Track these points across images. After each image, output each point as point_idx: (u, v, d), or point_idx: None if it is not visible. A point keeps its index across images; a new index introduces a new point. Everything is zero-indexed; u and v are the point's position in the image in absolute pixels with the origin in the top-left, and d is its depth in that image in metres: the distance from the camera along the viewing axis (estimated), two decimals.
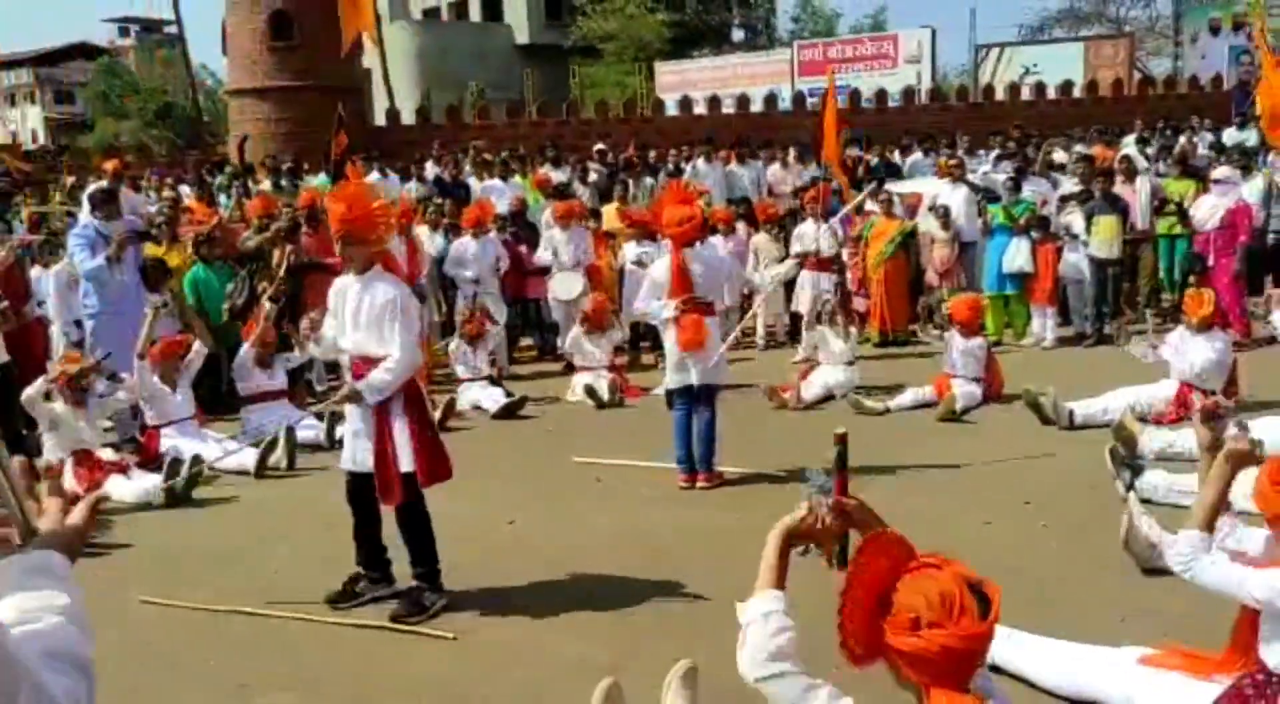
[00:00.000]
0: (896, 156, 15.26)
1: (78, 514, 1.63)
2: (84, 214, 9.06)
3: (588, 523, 6.01)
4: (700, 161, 14.61)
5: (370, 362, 4.71)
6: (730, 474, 6.72)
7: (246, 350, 8.31)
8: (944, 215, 11.14)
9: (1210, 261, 10.20)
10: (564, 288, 10.62)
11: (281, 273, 9.27)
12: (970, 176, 12.20)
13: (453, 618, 4.74)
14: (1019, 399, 7.90)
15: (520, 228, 11.79)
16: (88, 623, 1.48)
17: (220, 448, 7.51)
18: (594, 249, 10.99)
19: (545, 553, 5.49)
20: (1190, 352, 7.39)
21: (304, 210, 10.02)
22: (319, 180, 13.79)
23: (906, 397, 8.43)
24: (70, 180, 14.13)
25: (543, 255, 10.88)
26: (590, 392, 9.04)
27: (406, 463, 4.67)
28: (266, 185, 13.20)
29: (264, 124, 18.18)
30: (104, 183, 11.66)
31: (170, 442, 7.53)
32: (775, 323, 11.56)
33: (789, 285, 11.14)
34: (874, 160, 14.46)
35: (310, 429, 7.98)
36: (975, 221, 11.28)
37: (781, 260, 10.52)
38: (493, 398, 9.01)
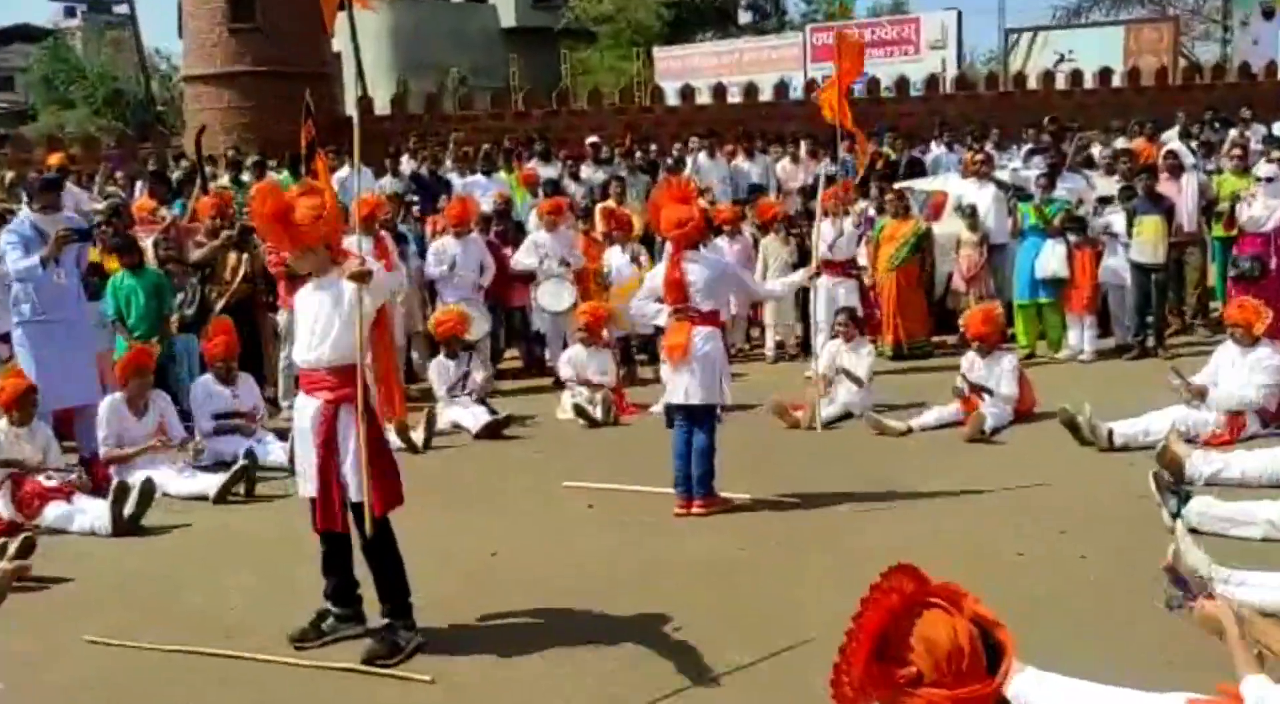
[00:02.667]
0: (919, 150, 15.30)
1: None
2: (23, 208, 8.91)
3: (578, 554, 6.00)
4: (702, 156, 14.66)
5: (339, 374, 4.69)
6: (737, 501, 6.73)
7: (209, 379, 8.32)
8: (971, 215, 11.17)
9: (1274, 265, 10.18)
10: (552, 298, 10.62)
11: (236, 282, 9.27)
12: (999, 173, 12.23)
13: (430, 659, 4.73)
14: (1053, 418, 7.92)
15: (506, 228, 11.79)
16: None
17: (175, 472, 7.52)
18: (585, 253, 10.99)
19: (531, 587, 5.49)
20: (1233, 380, 7.41)
21: None
22: (283, 177, 13.81)
23: (930, 415, 8.45)
24: (10, 175, 14.12)
25: (524, 259, 10.88)
26: (581, 410, 9.05)
27: (355, 491, 4.67)
28: (225, 180, 13.21)
29: (223, 113, 18.19)
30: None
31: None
32: (786, 334, 11.56)
33: (801, 292, 11.15)
34: (894, 154, 14.50)
35: (272, 451, 7.97)
36: (1005, 222, 11.30)
37: (795, 265, 10.56)
38: (475, 416, 9.01)
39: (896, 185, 12.23)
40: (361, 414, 4.64)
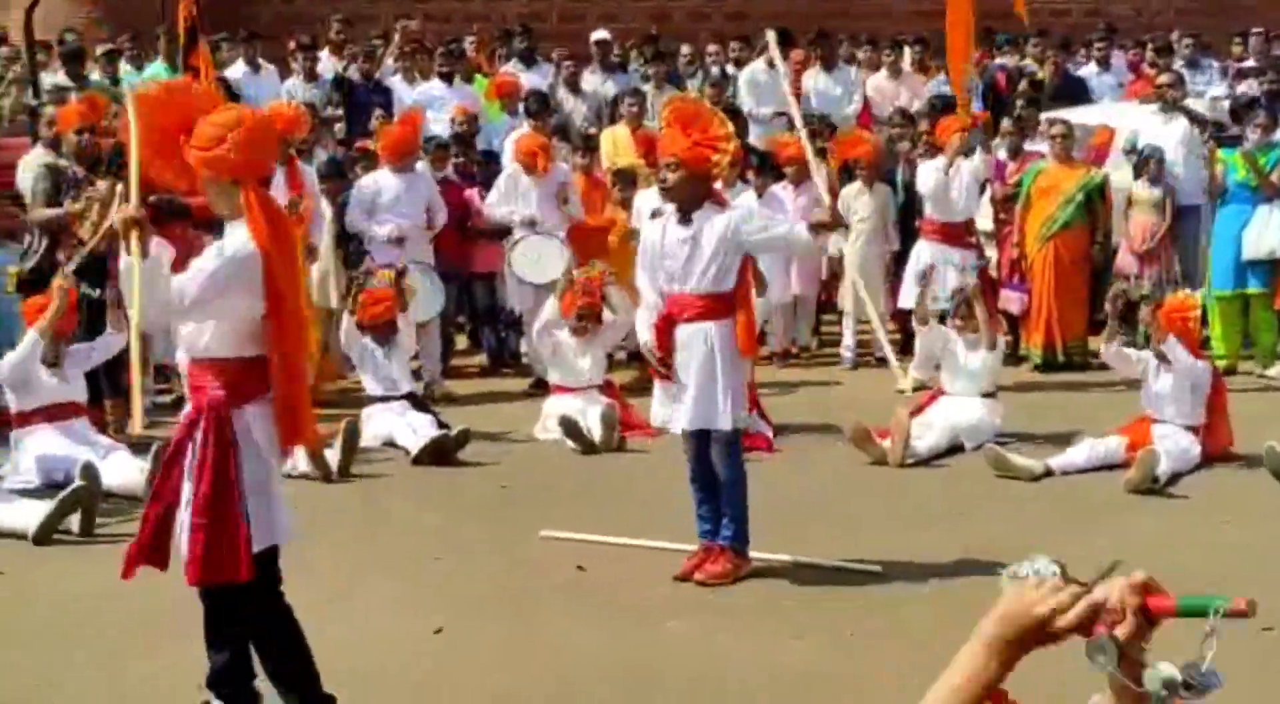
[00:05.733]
0: (1077, 64, 15.25)
1: None
2: None
3: (562, 641, 5.99)
4: (759, 64, 14.62)
5: (219, 367, 4.74)
6: (779, 563, 6.74)
7: (30, 344, 8.34)
8: (1150, 163, 11.14)
9: None
10: (534, 263, 10.59)
11: (108, 223, 9.24)
12: (1193, 102, 12.16)
13: None
14: (1259, 463, 7.91)
15: (471, 160, 11.79)
16: None
17: None
18: (585, 200, 10.97)
19: (491, 688, 5.48)
20: None
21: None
22: (150, 74, 13.82)
23: (1078, 452, 8.43)
24: None
25: (499, 205, 10.87)
26: (571, 427, 9.05)
27: (185, 544, 4.75)
28: (63, 77, 13.22)
29: None
30: None
31: None
32: (870, 327, 11.54)
33: (893, 265, 11.16)
34: (1039, 72, 14.46)
35: (123, 469, 7.99)
36: (1199, 174, 11.26)
37: (903, 226, 10.58)
38: (415, 429, 9.03)
39: (1046, 115, 12.16)
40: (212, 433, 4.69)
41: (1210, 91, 13.38)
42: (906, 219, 11.36)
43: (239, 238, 4.73)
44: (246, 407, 4.75)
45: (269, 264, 4.71)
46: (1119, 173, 11.48)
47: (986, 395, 9.05)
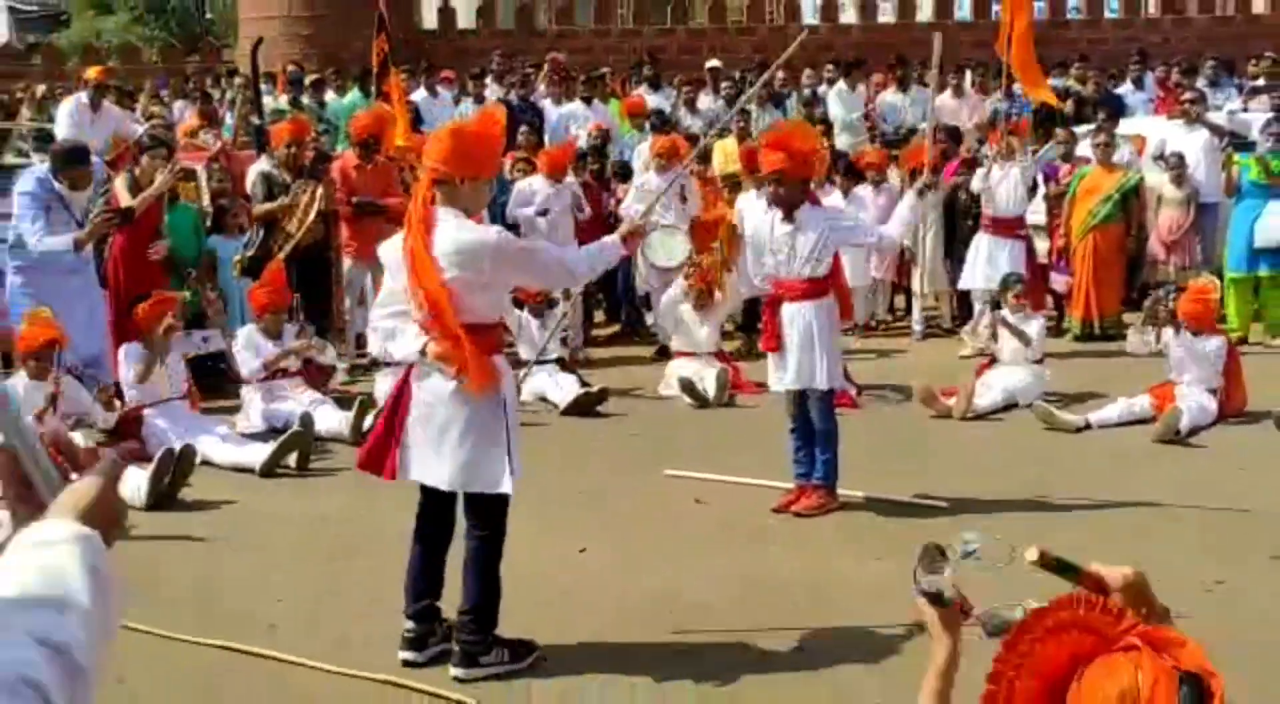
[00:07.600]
0: (1115, 85, 14.92)
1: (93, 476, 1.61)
2: (39, 163, 9.02)
3: (682, 559, 6.03)
4: (841, 84, 14.52)
5: (485, 328, 4.77)
6: (861, 498, 6.73)
7: (252, 329, 8.56)
8: (1176, 167, 10.91)
9: None
10: (662, 249, 10.63)
11: (310, 219, 9.40)
12: (1213, 115, 11.91)
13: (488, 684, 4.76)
14: (1267, 418, 7.75)
15: (603, 167, 11.85)
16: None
17: (217, 438, 7.75)
18: (702, 199, 10.98)
19: (620, 600, 5.54)
20: None
21: (361, 138, 10.19)
22: (349, 99, 14.05)
23: (1113, 409, 8.31)
24: (41, 89, 14.61)
25: (634, 206, 10.91)
26: (689, 386, 9.07)
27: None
28: (283, 101, 13.48)
29: (283, 23, 18.52)
30: (83, 96, 12.04)
31: (157, 426, 7.74)
32: (938, 304, 11.42)
33: (954, 258, 11.00)
34: (1084, 90, 14.19)
35: (331, 418, 8.18)
36: (1217, 176, 11.04)
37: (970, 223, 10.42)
38: (563, 388, 9.11)
39: (1086, 127, 11.97)
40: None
41: (1228, 106, 13.09)
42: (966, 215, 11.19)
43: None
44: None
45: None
46: (1150, 175, 11.33)
47: (1036, 362, 8.98)
